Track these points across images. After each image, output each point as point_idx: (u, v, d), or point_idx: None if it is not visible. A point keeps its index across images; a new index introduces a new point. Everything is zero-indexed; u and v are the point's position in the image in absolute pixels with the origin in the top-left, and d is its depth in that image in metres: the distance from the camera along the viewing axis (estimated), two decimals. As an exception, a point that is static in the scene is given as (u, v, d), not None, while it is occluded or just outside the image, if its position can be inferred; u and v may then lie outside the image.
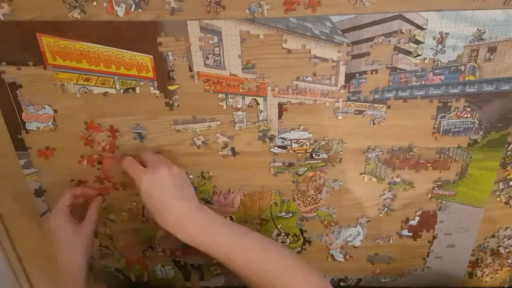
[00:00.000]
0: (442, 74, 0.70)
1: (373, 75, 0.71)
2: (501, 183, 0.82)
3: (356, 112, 0.75)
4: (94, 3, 0.66)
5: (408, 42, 0.68)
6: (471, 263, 0.95)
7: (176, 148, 0.80)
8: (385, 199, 0.85)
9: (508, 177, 0.81)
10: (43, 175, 0.83)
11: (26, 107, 0.75)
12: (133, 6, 0.66)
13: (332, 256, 0.94)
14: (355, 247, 0.92)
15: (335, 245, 0.92)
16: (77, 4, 0.66)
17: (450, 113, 0.74)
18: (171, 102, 0.75)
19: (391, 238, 0.91)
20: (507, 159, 0.79)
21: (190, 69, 0.72)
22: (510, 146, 0.77)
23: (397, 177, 0.82)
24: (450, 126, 0.76)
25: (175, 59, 0.71)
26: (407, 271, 0.96)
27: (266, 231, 0.91)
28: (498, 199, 0.84)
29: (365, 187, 0.84)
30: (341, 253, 0.94)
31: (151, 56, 0.71)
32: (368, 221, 0.88)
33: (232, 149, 0.79)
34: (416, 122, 0.75)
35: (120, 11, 0.66)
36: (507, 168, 0.80)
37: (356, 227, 0.89)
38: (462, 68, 0.70)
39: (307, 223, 0.89)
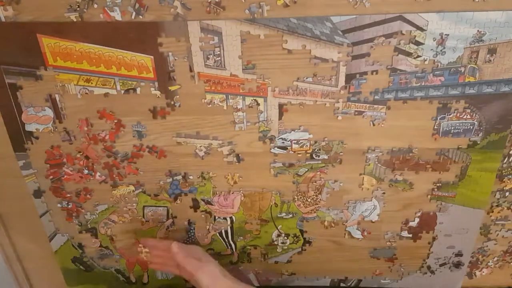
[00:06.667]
0: (442, 75, 0.71)
1: (373, 76, 0.71)
2: (497, 192, 0.83)
3: (356, 113, 0.75)
4: (95, 6, 0.66)
5: (409, 43, 0.68)
6: (471, 264, 0.95)
7: (177, 148, 0.80)
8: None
9: (504, 188, 0.82)
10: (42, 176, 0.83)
11: (26, 109, 0.75)
12: (134, 13, 0.66)
13: (349, 233, 0.90)
14: (372, 222, 0.88)
15: (352, 221, 0.88)
16: (78, 8, 0.66)
17: (450, 114, 0.74)
18: (172, 102, 0.75)
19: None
20: (503, 171, 0.80)
21: (191, 70, 0.72)
22: (510, 149, 0.78)
23: (397, 177, 0.82)
24: (450, 127, 0.76)
25: (175, 59, 0.71)
26: (407, 272, 0.96)
27: (266, 232, 0.91)
28: (500, 208, 0.85)
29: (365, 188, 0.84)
30: (359, 230, 0.90)
31: (152, 57, 0.71)
32: (384, 193, 0.84)
33: (237, 155, 0.80)
34: (416, 123, 0.75)
35: (117, 15, 0.67)
36: (504, 180, 0.81)
37: (371, 200, 0.85)
38: (462, 69, 0.70)
39: (307, 223, 0.89)
